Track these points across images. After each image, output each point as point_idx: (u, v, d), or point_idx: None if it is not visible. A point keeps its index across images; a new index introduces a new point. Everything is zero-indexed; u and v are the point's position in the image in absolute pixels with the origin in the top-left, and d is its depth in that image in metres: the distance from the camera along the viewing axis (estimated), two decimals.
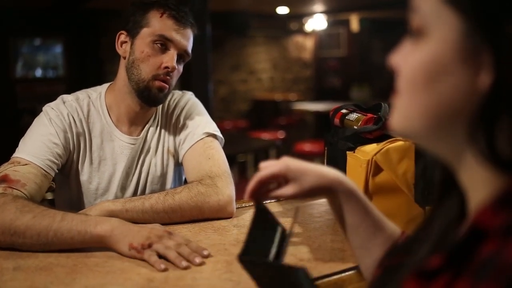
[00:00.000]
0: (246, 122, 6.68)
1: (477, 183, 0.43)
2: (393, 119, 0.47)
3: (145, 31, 1.34)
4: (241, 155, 5.53)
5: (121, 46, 1.40)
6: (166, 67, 1.32)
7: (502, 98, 0.38)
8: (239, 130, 6.22)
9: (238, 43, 7.31)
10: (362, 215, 0.76)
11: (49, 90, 1.48)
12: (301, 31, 7.73)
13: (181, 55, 1.37)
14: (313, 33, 7.80)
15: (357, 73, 7.73)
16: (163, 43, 1.33)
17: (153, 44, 1.33)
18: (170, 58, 1.33)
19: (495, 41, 0.38)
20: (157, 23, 1.33)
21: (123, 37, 1.39)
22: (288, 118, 6.83)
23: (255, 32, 7.40)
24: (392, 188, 1.11)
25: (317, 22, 7.28)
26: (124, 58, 1.39)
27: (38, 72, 6.18)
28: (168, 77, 1.35)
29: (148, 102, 1.39)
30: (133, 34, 1.36)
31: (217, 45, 6.50)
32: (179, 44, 1.34)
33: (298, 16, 7.39)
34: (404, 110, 0.46)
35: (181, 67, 1.40)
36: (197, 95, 1.59)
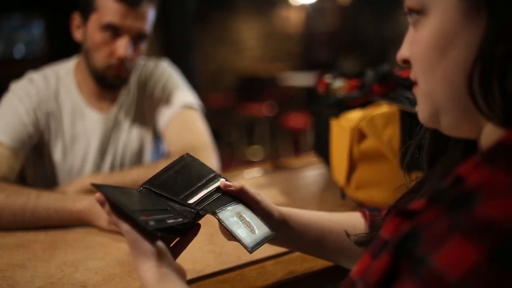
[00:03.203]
0: (234, 97, 6.62)
1: (487, 139, 0.44)
2: (420, 110, 0.49)
3: (94, 18, 1.24)
4: (228, 130, 5.50)
5: (78, 29, 1.31)
6: (119, 57, 1.24)
7: (496, 42, 0.40)
8: (226, 105, 6.16)
9: (224, 17, 7.19)
10: (319, 226, 0.75)
11: (31, 70, 1.43)
12: (288, 4, 7.62)
13: (139, 36, 1.27)
14: (301, 6, 7.69)
15: (347, 45, 7.67)
16: (113, 30, 1.23)
17: (102, 32, 1.23)
18: (122, 46, 1.23)
19: None
20: (104, 8, 1.22)
21: (77, 20, 1.30)
22: (277, 92, 6.78)
23: (242, 5, 7.28)
24: (377, 155, 1.09)
25: None
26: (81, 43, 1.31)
27: (19, 52, 6.04)
28: (122, 66, 1.26)
29: (107, 88, 1.33)
30: (85, 18, 1.27)
31: (202, 19, 6.39)
32: (131, 28, 1.23)
33: None
34: (427, 90, 0.47)
35: (143, 45, 1.30)
36: (181, 70, 1.54)
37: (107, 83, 1.30)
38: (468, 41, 0.42)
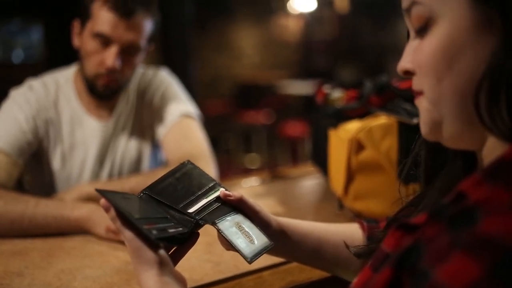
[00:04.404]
0: (232, 105, 6.63)
1: (489, 153, 0.44)
2: (422, 120, 0.49)
3: (88, 25, 1.24)
4: (226, 138, 5.50)
5: (77, 36, 1.30)
6: (107, 67, 1.23)
7: (507, 59, 0.40)
8: (224, 112, 6.17)
9: (222, 24, 7.22)
10: (316, 237, 0.75)
11: (29, 76, 1.42)
12: (287, 12, 7.66)
13: (131, 48, 1.25)
14: (299, 14, 7.73)
15: (345, 54, 7.69)
16: (104, 39, 1.22)
17: (94, 41, 1.23)
18: (110, 57, 1.22)
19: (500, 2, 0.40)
20: (97, 17, 1.22)
21: (77, 28, 1.30)
22: (275, 100, 6.79)
23: (240, 13, 7.31)
24: (375, 166, 1.09)
25: (303, 2, 7.20)
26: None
27: (18, 57, 6.04)
28: (111, 76, 1.26)
29: (98, 98, 1.33)
30: (82, 26, 1.27)
31: (201, 26, 6.41)
32: (121, 39, 1.22)
33: None
34: (433, 99, 0.46)
35: (137, 58, 1.29)
36: (179, 77, 1.54)
37: (96, 92, 1.30)
38: (477, 52, 0.42)
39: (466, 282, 0.33)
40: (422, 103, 0.49)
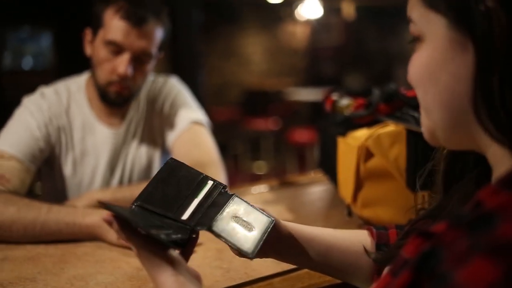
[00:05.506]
0: (239, 111, 6.64)
1: (498, 161, 0.46)
2: (422, 129, 0.53)
3: (100, 33, 1.26)
4: (233, 144, 5.51)
5: (89, 44, 1.32)
6: (119, 74, 1.25)
7: (487, 71, 0.42)
8: (232, 119, 6.18)
9: (230, 31, 7.25)
10: (324, 243, 0.75)
11: (39, 83, 1.43)
12: (294, 19, 7.68)
13: (143, 55, 1.28)
14: (306, 21, 7.75)
15: (352, 60, 7.70)
16: (116, 47, 1.24)
17: (106, 48, 1.25)
18: (122, 64, 1.24)
19: (469, 22, 0.43)
20: (109, 25, 1.24)
21: (89, 36, 1.32)
22: (282, 107, 6.81)
23: (248, 20, 7.34)
24: (384, 174, 1.10)
25: (311, 10, 7.22)
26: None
27: (27, 64, 6.10)
28: (123, 84, 1.28)
29: (110, 105, 1.35)
30: (94, 34, 1.29)
31: (208, 33, 6.44)
32: (132, 47, 1.24)
33: (291, 4, 7.32)
34: (424, 108, 0.51)
35: (148, 65, 1.31)
36: (187, 84, 1.56)
37: (108, 99, 1.32)
38: (457, 68, 0.45)
39: (485, 284, 0.34)
40: (422, 111, 0.53)
